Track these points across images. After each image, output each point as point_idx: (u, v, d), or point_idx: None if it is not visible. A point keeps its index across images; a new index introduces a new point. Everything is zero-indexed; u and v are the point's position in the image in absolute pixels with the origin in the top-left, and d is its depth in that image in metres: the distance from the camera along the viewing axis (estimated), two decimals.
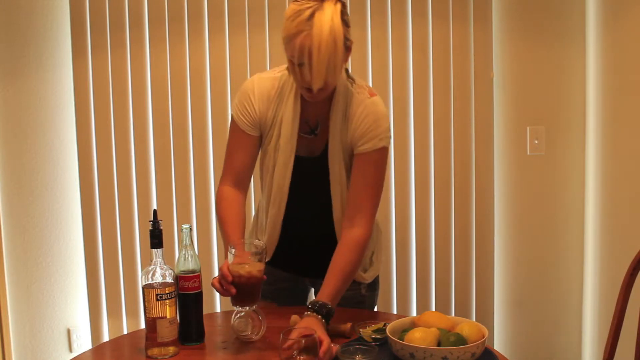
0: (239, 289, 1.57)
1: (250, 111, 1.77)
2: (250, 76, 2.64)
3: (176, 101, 2.72)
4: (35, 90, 2.76)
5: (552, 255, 2.79)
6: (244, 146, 1.80)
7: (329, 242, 1.82)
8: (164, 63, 2.70)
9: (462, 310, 2.77)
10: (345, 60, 1.65)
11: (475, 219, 2.74)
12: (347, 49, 1.62)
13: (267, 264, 1.98)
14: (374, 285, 1.98)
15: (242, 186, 1.83)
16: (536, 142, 2.73)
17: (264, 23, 2.67)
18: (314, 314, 1.60)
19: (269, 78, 1.78)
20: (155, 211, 1.59)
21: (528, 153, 2.75)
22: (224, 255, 2.75)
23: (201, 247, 2.77)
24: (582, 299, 2.80)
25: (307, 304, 1.66)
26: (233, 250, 1.60)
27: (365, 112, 1.72)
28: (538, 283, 2.80)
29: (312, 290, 2.04)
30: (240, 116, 1.78)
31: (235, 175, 1.81)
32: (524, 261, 2.80)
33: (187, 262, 1.59)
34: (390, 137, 1.76)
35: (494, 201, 2.75)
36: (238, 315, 1.62)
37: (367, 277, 1.93)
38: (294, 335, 1.43)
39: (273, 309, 1.92)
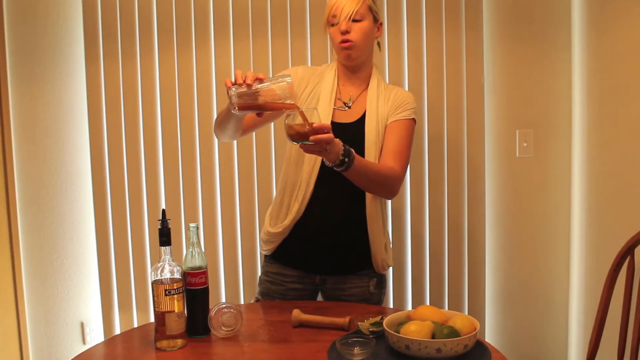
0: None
1: (293, 73, 1.93)
2: None
3: (184, 106, 2.71)
4: (50, 96, 2.76)
5: (540, 253, 2.78)
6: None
7: (356, 230, 1.88)
8: (172, 69, 2.70)
9: (455, 304, 2.76)
10: (375, 30, 1.91)
11: (468, 218, 2.74)
12: (374, 15, 1.89)
13: (276, 262, 1.99)
14: (382, 282, 1.99)
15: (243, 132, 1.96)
16: (525, 144, 2.73)
17: (267, 30, 2.67)
18: (341, 143, 1.66)
19: (312, 67, 2.01)
20: (164, 211, 1.59)
21: (517, 155, 2.74)
22: (229, 254, 2.77)
23: (207, 245, 2.76)
24: (568, 295, 2.80)
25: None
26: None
27: (400, 92, 1.96)
28: (526, 279, 2.79)
29: (320, 293, 2.03)
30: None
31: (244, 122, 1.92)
32: (514, 258, 2.79)
33: (194, 259, 1.60)
34: (417, 115, 2.00)
35: (485, 201, 2.75)
36: (225, 310, 1.62)
37: (387, 259, 1.96)
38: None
39: (275, 303, 1.92)
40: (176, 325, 1.54)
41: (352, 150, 1.68)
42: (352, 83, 1.96)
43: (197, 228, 1.60)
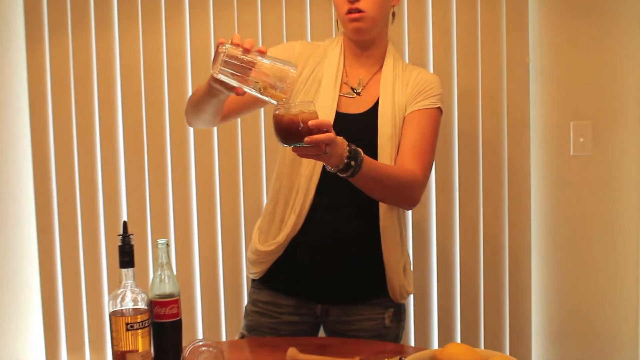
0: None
1: (288, 49, 1.96)
2: None
3: (150, 92, 2.71)
4: None
5: (604, 275, 2.79)
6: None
7: (367, 248, 1.89)
8: (136, 47, 2.70)
9: (493, 341, 2.77)
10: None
11: (509, 232, 2.74)
12: None
13: (267, 288, 1.98)
14: (400, 313, 1.99)
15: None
16: (581, 140, 2.73)
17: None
18: (346, 141, 1.65)
19: (313, 43, 2.03)
20: (125, 223, 1.58)
21: (572, 153, 2.75)
22: (208, 278, 2.77)
23: (180, 267, 2.76)
24: (639, 330, 2.79)
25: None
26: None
27: (423, 75, 1.97)
28: (585, 310, 2.80)
29: (322, 328, 2.03)
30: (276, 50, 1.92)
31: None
32: (568, 283, 2.80)
33: (164, 285, 1.59)
34: (443, 103, 1.97)
35: (530, 211, 2.75)
36: (203, 349, 1.61)
37: (406, 284, 1.97)
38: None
39: (266, 340, 1.91)
40: None
41: (360, 150, 1.68)
42: (362, 63, 1.97)
43: (168, 245, 1.59)
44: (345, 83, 1.95)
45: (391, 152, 1.87)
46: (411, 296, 2.74)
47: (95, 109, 2.72)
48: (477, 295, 2.76)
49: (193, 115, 1.88)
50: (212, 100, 1.74)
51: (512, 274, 2.76)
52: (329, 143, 1.56)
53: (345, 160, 1.63)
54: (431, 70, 2.68)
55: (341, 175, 1.67)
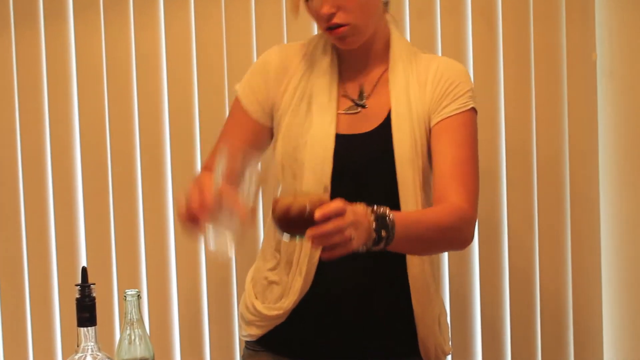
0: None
1: (260, 88, 1.93)
2: (228, 62, 2.69)
3: (114, 94, 2.73)
4: None
5: None
6: (244, 130, 1.91)
7: (393, 296, 1.89)
8: (96, 44, 2.72)
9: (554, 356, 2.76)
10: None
11: (573, 274, 2.74)
12: None
13: (265, 350, 2.00)
14: None
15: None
16: None
17: None
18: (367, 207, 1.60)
19: (293, 45, 2.00)
20: (84, 269, 1.57)
21: None
22: (191, 338, 2.74)
23: (154, 324, 2.76)
24: None
25: None
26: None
27: (443, 67, 1.91)
28: None
29: None
30: (248, 92, 1.91)
31: None
32: None
33: (134, 347, 1.59)
34: (476, 99, 1.91)
35: (599, 245, 2.76)
36: None
37: (443, 342, 1.97)
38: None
39: None
40: None
41: (387, 210, 1.62)
42: (363, 65, 1.94)
43: (139, 297, 1.59)
44: (343, 96, 1.92)
45: (414, 179, 1.84)
46: (449, 357, 2.73)
47: (46, 118, 2.75)
48: (532, 318, 2.74)
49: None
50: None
51: (578, 323, 2.76)
52: (341, 230, 1.50)
53: (375, 235, 1.58)
54: (470, 72, 2.68)
55: (374, 250, 1.62)
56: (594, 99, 2.72)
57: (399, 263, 1.88)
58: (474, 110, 1.89)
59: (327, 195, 1.61)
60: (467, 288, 2.76)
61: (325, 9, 1.77)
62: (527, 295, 2.75)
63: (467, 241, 1.84)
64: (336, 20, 1.79)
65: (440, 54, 2.69)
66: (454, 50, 2.70)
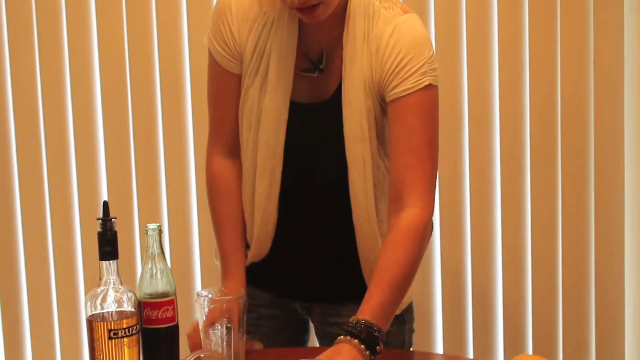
0: None
1: (227, 35, 1.81)
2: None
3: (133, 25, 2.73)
4: None
5: None
6: (231, 91, 1.86)
7: (342, 242, 1.87)
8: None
9: (575, 352, 2.77)
10: None
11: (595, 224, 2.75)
12: None
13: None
14: (403, 316, 1.98)
15: (237, 152, 1.90)
16: None
17: None
18: (349, 337, 1.58)
19: None
20: (105, 204, 1.58)
21: None
22: (207, 269, 2.77)
23: (176, 258, 2.77)
24: None
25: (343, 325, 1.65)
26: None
27: (396, 35, 1.72)
28: None
29: (310, 323, 2.06)
30: (217, 45, 1.83)
31: (227, 138, 1.90)
32: None
33: (156, 281, 1.60)
34: (436, 70, 1.74)
35: (623, 234, 2.77)
36: None
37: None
38: None
39: (257, 354, 1.92)
40: None
41: (367, 321, 1.62)
42: (325, 22, 1.75)
43: (161, 231, 1.60)
44: (304, 54, 1.80)
45: (364, 158, 1.77)
46: (469, 298, 2.77)
47: (66, 69, 2.75)
48: (554, 297, 2.78)
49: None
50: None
51: (599, 270, 2.78)
52: None
53: (373, 355, 1.60)
54: (496, 74, 2.69)
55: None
56: (620, 99, 2.71)
57: (345, 223, 1.86)
58: (430, 86, 1.73)
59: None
60: (489, 288, 2.79)
61: None
62: (550, 295, 2.78)
63: (428, 239, 1.80)
64: (313, 1, 1.64)
65: (456, 49, 2.69)
66: (477, 47, 2.71)
